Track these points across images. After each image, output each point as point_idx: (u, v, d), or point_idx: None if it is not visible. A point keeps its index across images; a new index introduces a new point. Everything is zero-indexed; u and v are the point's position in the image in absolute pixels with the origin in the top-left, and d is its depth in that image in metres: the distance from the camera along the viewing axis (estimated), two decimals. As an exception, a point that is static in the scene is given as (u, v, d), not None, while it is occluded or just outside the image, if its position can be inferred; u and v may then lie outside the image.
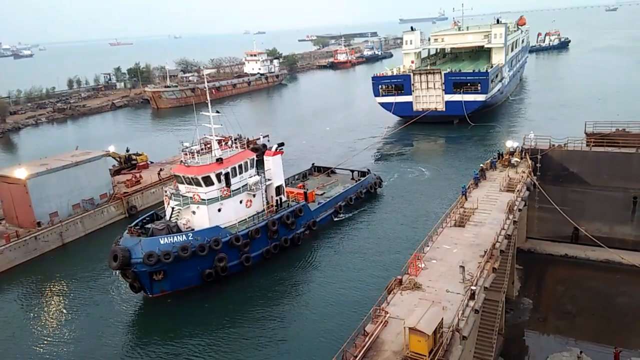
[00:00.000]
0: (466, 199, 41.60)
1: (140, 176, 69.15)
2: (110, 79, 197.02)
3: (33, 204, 55.09)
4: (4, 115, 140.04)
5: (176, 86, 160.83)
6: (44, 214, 55.93)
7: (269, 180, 51.21)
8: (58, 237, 56.02)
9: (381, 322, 25.85)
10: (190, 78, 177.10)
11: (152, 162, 76.81)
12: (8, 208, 57.30)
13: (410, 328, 22.95)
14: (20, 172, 55.18)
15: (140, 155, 76.62)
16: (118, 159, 74.62)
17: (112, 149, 73.55)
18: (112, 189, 64.16)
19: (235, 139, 54.89)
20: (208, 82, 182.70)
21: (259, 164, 53.03)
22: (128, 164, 74.78)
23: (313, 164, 70.56)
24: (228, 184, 46.65)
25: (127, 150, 76.98)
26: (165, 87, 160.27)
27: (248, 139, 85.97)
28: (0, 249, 51.04)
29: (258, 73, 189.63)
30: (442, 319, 24.01)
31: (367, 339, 24.69)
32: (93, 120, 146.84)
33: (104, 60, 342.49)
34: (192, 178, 45.47)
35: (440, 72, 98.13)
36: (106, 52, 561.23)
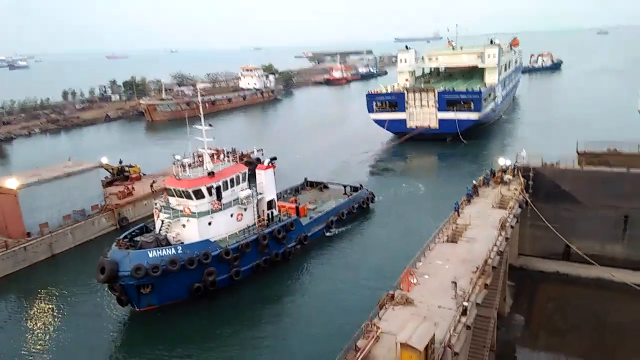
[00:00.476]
0: (459, 215, 41.74)
1: (133, 188, 68.81)
2: (105, 91, 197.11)
3: (23, 215, 54.60)
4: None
5: (171, 99, 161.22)
6: (34, 225, 55.38)
7: (260, 194, 50.98)
8: (48, 248, 55.41)
9: (373, 337, 25.67)
10: (186, 92, 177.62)
11: (145, 174, 76.50)
12: (-2, 218, 56.70)
13: (401, 343, 22.83)
14: (11, 182, 54.81)
15: (133, 167, 76.33)
16: (111, 171, 74.28)
17: (104, 160, 73.23)
18: (104, 201, 63.75)
19: (228, 153, 54.75)
20: (203, 95, 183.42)
21: (252, 178, 52.96)
22: (121, 175, 74.46)
23: (305, 178, 70.36)
24: (219, 198, 46.37)
25: (120, 162, 76.69)
26: (161, 100, 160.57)
27: (242, 152, 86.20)
28: (-12, 259, 50.43)
29: (254, 88, 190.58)
30: (434, 334, 23.91)
31: (358, 354, 24.48)
32: (87, 131, 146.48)
33: (100, 72, 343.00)
34: (182, 191, 45.25)
35: (434, 90, 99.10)
36: (102, 65, 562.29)
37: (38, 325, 42.09)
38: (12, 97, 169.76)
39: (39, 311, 44.58)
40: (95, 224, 60.69)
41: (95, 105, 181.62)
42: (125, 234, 45.96)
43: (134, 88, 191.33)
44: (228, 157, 52.77)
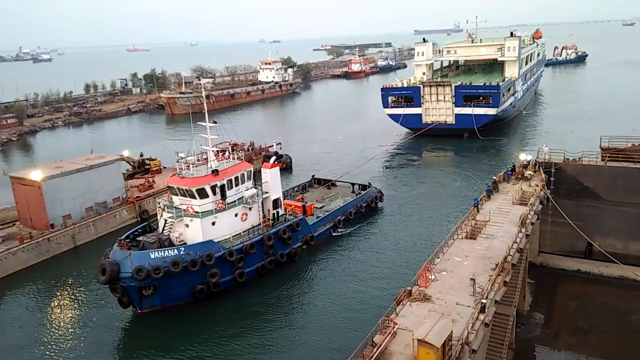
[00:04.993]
0: (478, 211, 41.35)
1: (153, 181, 69.70)
2: (126, 84, 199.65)
3: (47, 206, 55.70)
4: (22, 118, 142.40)
5: (191, 93, 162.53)
6: (57, 216, 56.55)
7: (266, 193, 49.94)
8: (70, 240, 56.61)
9: (390, 333, 25.67)
10: (205, 85, 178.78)
11: (165, 167, 77.37)
12: (22, 210, 57.99)
13: (419, 340, 22.79)
14: (36, 175, 55.88)
15: (153, 160, 77.31)
16: (132, 164, 75.34)
17: (126, 153, 74.31)
18: (125, 193, 64.73)
19: (234, 149, 54.03)
20: (223, 89, 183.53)
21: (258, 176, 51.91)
22: (141, 168, 75.48)
23: (313, 175, 69.41)
24: (223, 197, 45.34)
25: (141, 155, 77.72)
26: (180, 93, 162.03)
27: (261, 146, 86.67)
28: (14, 250, 51.69)
29: (272, 81, 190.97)
30: (452, 331, 23.81)
31: (375, 349, 24.51)
32: (109, 124, 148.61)
33: (121, 65, 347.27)
34: (186, 190, 44.24)
35: (451, 85, 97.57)
36: (123, 58, 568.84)
37: (48, 319, 42.38)
38: (36, 90, 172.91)
39: (52, 305, 45.01)
40: (116, 216, 61.71)
41: (116, 98, 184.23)
42: (127, 233, 45.00)
43: (154, 81, 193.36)
44: (233, 154, 51.78)
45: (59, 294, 47.11)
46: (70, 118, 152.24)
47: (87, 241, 58.02)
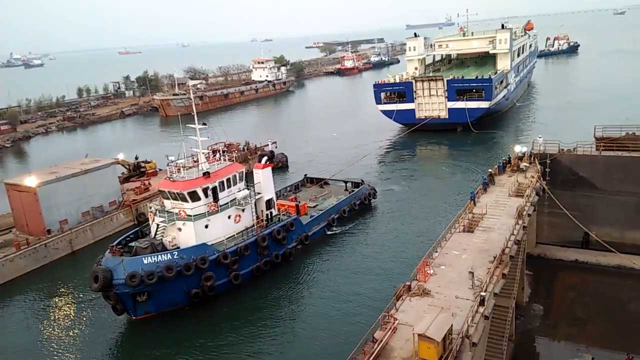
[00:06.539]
0: (475, 205, 41.42)
1: (149, 183, 69.53)
2: (119, 88, 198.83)
3: (43, 212, 55.51)
4: (15, 124, 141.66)
5: (184, 94, 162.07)
6: (54, 222, 56.40)
7: (258, 194, 49.47)
8: (68, 245, 56.42)
9: (390, 328, 25.71)
10: (199, 86, 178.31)
11: (160, 170, 77.14)
12: (18, 216, 57.78)
13: (419, 334, 22.82)
14: (31, 181, 55.69)
15: (149, 162, 77.09)
16: (127, 167, 75.11)
17: (121, 156, 74.10)
18: (121, 197, 64.56)
19: (224, 151, 53.83)
20: (217, 89, 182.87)
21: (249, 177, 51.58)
22: (137, 171, 75.26)
23: (306, 175, 69.18)
24: (215, 199, 44.92)
25: (136, 158, 77.50)
26: (174, 95, 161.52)
27: (256, 145, 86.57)
28: (11, 256, 51.49)
29: (265, 80, 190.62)
30: (452, 325, 23.86)
31: (376, 345, 24.53)
32: (102, 128, 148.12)
33: (113, 68, 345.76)
34: (177, 193, 43.76)
35: (443, 79, 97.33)
36: (115, 61, 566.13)
37: (44, 327, 42.00)
38: (29, 95, 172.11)
39: (49, 312, 44.58)
40: (113, 220, 61.55)
41: (109, 101, 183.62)
42: (119, 239, 44.46)
43: (147, 83, 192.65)
44: (224, 156, 51.40)
45: (55, 300, 46.76)
46: (64, 123, 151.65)
47: (85, 246, 57.82)
